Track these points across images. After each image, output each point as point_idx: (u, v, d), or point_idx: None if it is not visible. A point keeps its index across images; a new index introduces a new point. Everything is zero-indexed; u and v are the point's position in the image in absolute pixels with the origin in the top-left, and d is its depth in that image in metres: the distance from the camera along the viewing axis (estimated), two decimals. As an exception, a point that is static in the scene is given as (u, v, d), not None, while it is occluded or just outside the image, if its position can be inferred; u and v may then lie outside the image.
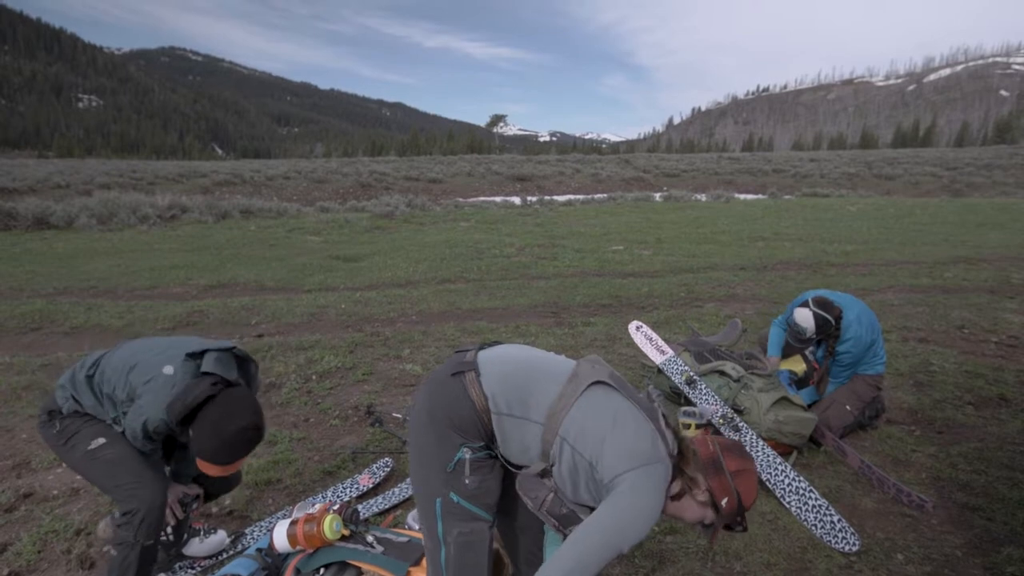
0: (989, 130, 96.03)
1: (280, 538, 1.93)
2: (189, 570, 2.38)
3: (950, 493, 2.92)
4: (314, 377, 4.50)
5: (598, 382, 1.57)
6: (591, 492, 1.53)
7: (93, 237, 11.92)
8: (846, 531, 2.54)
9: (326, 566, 1.92)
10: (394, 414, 3.80)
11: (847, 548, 2.47)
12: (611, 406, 1.54)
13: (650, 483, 1.44)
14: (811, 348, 3.71)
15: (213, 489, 2.33)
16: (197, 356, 1.90)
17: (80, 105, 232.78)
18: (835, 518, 2.60)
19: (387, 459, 3.19)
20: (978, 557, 2.46)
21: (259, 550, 1.98)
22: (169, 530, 2.29)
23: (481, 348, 1.70)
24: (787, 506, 2.74)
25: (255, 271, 8.43)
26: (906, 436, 3.50)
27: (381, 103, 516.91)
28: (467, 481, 1.56)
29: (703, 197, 23.28)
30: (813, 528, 2.59)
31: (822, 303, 3.43)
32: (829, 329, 3.41)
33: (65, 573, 2.43)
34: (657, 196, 23.54)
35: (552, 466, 1.54)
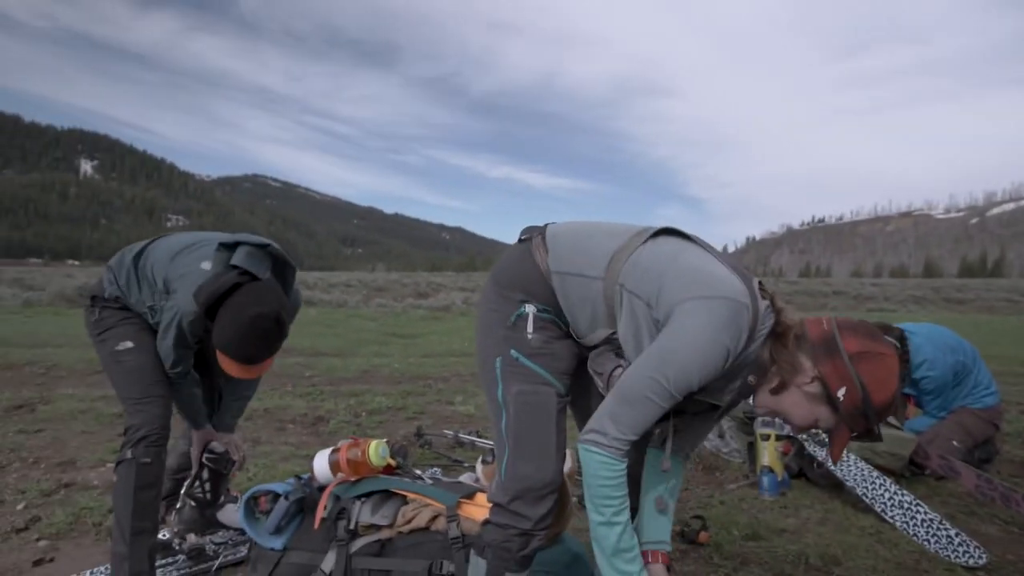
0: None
1: (321, 466, 1.75)
2: (221, 539, 2.19)
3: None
4: (363, 414, 4.37)
5: (668, 230, 1.35)
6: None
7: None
8: (967, 544, 2.14)
9: (368, 495, 1.70)
10: (444, 431, 3.60)
11: (971, 562, 2.08)
12: (677, 247, 1.31)
13: (710, 316, 1.16)
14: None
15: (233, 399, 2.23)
16: (230, 247, 1.81)
17: (168, 224, 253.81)
18: (952, 532, 2.21)
19: (436, 468, 2.97)
20: None
21: (297, 477, 1.78)
22: (207, 485, 2.14)
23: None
24: (891, 520, 2.36)
25: (312, 341, 8.53)
26: (1018, 485, 3.04)
27: (442, 227, 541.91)
28: (529, 336, 1.35)
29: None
30: (925, 543, 2.21)
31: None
32: None
33: (94, 541, 2.31)
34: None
35: (615, 332, 1.33)
